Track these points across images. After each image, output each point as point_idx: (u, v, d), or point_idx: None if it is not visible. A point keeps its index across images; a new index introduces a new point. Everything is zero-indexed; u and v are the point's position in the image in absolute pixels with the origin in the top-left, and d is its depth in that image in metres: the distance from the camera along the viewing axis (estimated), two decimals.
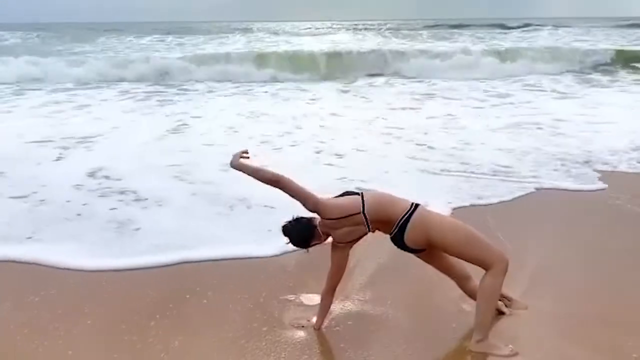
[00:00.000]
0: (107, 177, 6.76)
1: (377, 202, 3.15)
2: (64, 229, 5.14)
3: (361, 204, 3.10)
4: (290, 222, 3.20)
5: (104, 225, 5.21)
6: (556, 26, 44.74)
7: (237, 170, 3.11)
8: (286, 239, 3.23)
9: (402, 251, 3.26)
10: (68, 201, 5.89)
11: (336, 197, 3.22)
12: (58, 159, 7.77)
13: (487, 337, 3.10)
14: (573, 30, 40.48)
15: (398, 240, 3.17)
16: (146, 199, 5.96)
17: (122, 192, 6.19)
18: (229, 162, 3.12)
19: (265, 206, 5.52)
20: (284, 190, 3.09)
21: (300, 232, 3.18)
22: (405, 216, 3.10)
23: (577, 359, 3.04)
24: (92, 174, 6.88)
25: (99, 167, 7.19)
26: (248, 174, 3.10)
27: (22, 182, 6.51)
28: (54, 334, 3.36)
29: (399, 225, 3.11)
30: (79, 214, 5.52)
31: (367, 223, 3.12)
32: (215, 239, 4.80)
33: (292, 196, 3.10)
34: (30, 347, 3.23)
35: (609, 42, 28.18)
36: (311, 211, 3.14)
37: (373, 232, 3.20)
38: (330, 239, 3.24)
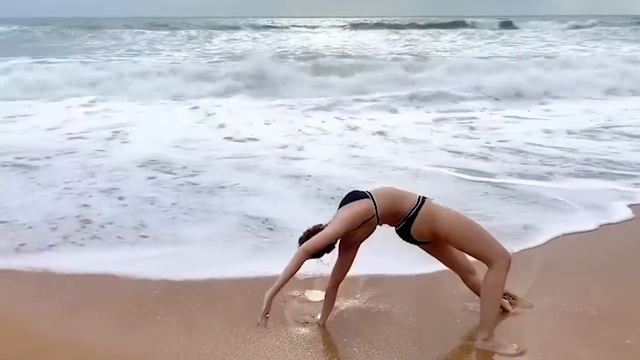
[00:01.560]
0: (171, 172, 6.68)
1: (387, 200, 3.16)
2: (208, 230, 4.89)
3: (373, 206, 3.12)
4: (306, 233, 3.17)
5: (250, 225, 5.01)
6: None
7: (278, 292, 3.04)
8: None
9: (407, 245, 3.27)
10: (176, 194, 5.80)
11: (345, 202, 3.20)
12: (97, 151, 7.79)
13: (493, 335, 3.09)
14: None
15: (404, 232, 3.19)
16: (257, 194, 5.88)
17: (221, 187, 6.08)
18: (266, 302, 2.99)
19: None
20: (317, 252, 3.07)
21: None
22: (414, 210, 3.12)
23: (582, 358, 3.03)
24: (154, 167, 6.88)
25: (150, 159, 7.21)
26: (285, 283, 3.03)
27: (90, 179, 6.40)
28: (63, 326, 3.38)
29: (407, 219, 3.13)
30: (206, 211, 5.34)
31: (378, 220, 3.15)
32: None
33: (323, 247, 3.08)
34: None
35: None
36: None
37: (381, 225, 3.22)
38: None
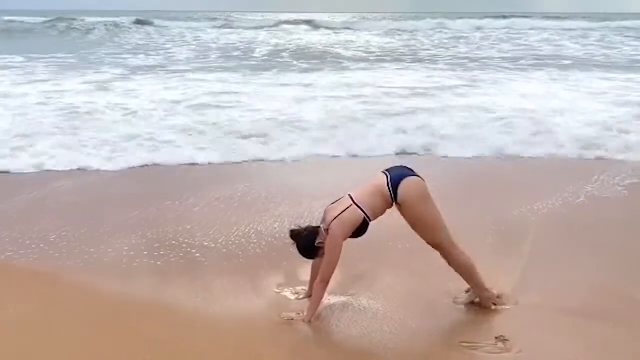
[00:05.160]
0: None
1: (363, 190, 3.38)
2: None
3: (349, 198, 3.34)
4: (300, 231, 3.36)
5: None
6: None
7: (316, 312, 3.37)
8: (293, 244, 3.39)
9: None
10: None
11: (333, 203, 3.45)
12: None
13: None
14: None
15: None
16: None
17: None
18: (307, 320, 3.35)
19: None
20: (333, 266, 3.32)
21: (307, 242, 3.34)
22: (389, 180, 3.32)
23: (566, 353, 3.05)
24: None
25: None
26: (319, 302, 3.39)
27: None
28: None
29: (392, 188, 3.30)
30: None
31: (363, 211, 3.30)
32: None
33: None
34: None
35: None
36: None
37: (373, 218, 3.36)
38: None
